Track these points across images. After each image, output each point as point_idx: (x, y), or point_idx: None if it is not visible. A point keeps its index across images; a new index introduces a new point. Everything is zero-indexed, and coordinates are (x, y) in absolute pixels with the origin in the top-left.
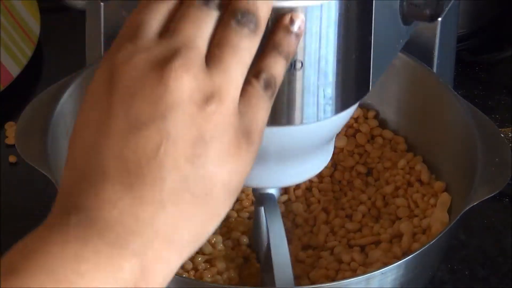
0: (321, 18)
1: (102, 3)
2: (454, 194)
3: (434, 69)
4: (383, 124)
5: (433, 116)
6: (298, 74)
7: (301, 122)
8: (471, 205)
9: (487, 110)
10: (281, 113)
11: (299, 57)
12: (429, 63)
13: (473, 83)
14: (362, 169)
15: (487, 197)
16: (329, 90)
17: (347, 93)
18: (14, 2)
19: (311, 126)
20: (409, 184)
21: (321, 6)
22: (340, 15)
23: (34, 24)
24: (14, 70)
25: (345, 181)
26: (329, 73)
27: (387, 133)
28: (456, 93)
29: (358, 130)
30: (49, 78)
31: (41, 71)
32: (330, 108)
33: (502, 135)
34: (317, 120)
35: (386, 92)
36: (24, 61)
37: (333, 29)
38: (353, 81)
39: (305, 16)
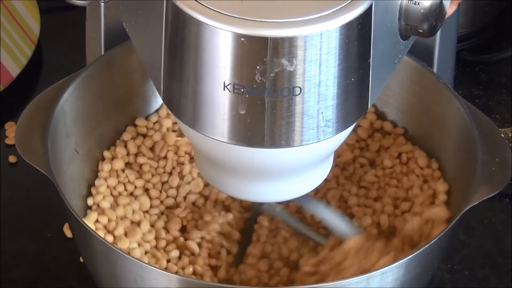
0: (320, 46)
1: (102, 3)
2: (454, 194)
3: (434, 69)
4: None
5: (433, 116)
6: (297, 99)
7: (301, 144)
8: (471, 205)
9: (487, 110)
10: (280, 135)
11: (298, 83)
12: (429, 63)
13: (473, 83)
14: (362, 163)
15: (487, 197)
16: (328, 113)
17: (346, 114)
18: (14, 2)
19: (310, 145)
20: (409, 181)
21: (321, 34)
22: (339, 42)
23: (34, 24)
24: (14, 70)
25: (348, 172)
26: (328, 97)
27: (387, 125)
28: (456, 93)
29: (358, 126)
30: (49, 78)
31: (41, 71)
32: (330, 129)
33: (502, 135)
34: (317, 141)
35: (386, 92)
36: (24, 61)
37: (332, 56)
38: (352, 102)
39: (305, 44)
